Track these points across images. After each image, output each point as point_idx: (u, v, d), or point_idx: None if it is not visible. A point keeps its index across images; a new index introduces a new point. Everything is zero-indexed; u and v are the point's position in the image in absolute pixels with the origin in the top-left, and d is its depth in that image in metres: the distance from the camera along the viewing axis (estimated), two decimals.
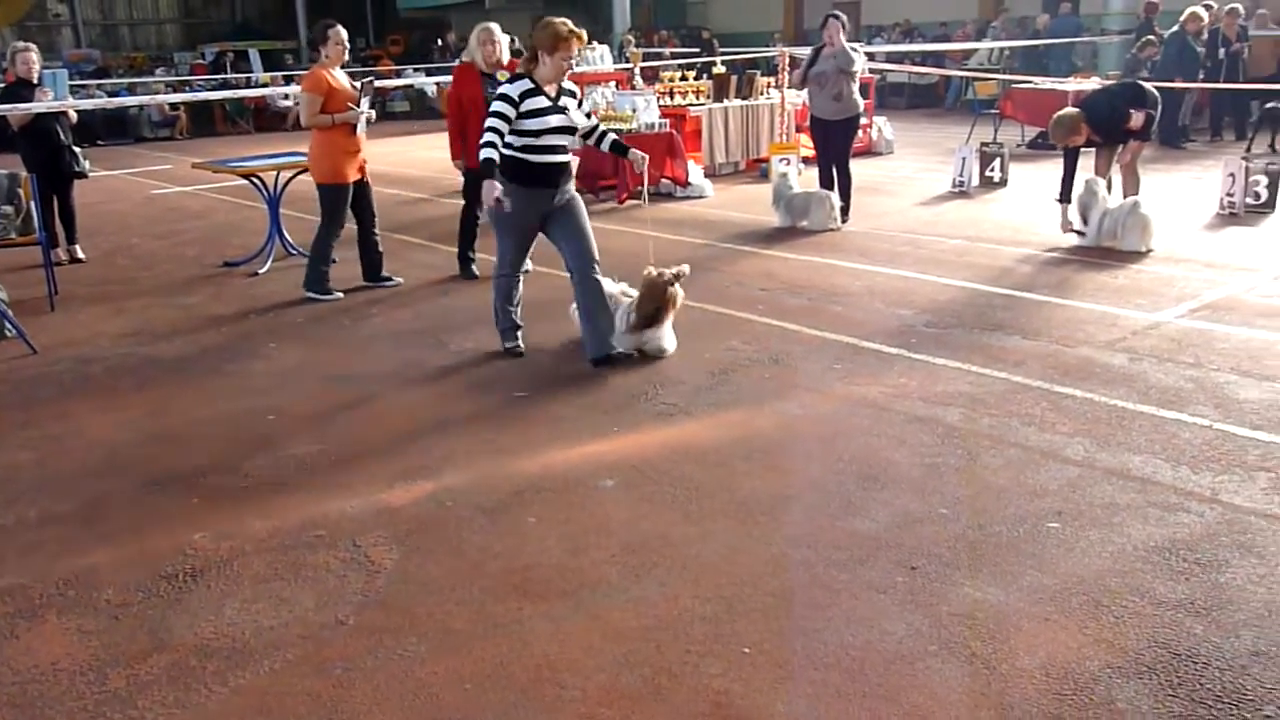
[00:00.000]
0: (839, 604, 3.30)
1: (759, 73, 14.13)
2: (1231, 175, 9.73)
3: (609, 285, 5.88)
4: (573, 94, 5.71)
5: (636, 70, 14.44)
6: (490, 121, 5.41)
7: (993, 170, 11.97)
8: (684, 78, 13.92)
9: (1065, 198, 8.64)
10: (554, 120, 5.50)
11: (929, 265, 7.97)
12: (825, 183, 9.79)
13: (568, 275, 5.79)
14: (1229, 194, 9.72)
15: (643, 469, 4.36)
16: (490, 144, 5.36)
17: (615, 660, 3.03)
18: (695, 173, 11.97)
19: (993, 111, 15.69)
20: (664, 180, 11.71)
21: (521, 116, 5.43)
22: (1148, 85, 8.83)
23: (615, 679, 2.94)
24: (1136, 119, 8.54)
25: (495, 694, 2.90)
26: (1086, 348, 5.80)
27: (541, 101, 5.46)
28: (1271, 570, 3.39)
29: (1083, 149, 8.68)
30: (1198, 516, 3.78)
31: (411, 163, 16.07)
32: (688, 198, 11.59)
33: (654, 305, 5.72)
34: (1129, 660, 2.93)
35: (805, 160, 11.93)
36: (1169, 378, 5.26)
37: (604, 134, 5.82)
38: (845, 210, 9.70)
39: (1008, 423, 4.74)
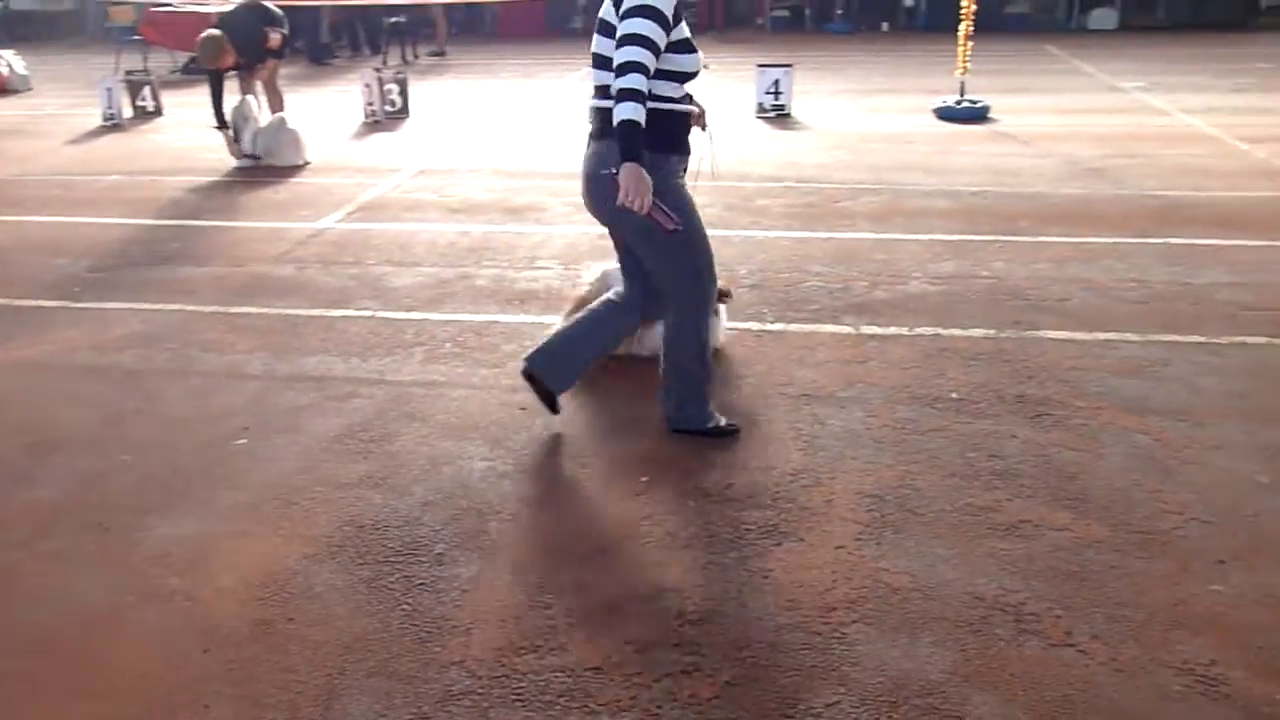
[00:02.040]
0: (21, 584, 2.99)
1: None
2: (368, 86, 10.52)
3: None
4: None
5: None
6: (636, 53, 3.28)
7: (144, 100, 11.41)
8: None
9: (221, 123, 8.58)
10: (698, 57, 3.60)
11: (87, 207, 7.39)
12: None
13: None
14: (370, 104, 10.50)
15: None
16: (637, 93, 3.27)
17: None
18: None
19: (136, 38, 14.87)
20: None
21: (672, 48, 3.42)
22: (272, 5, 9.04)
23: None
24: (274, 38, 8.73)
25: None
26: (257, 264, 5.90)
27: (685, 29, 3.51)
28: (432, 429, 3.85)
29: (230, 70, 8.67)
30: (369, 399, 4.12)
31: None
32: None
33: None
34: (321, 546, 3.12)
35: None
36: (334, 279, 5.60)
37: None
38: None
39: (187, 353, 4.65)
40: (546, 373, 3.75)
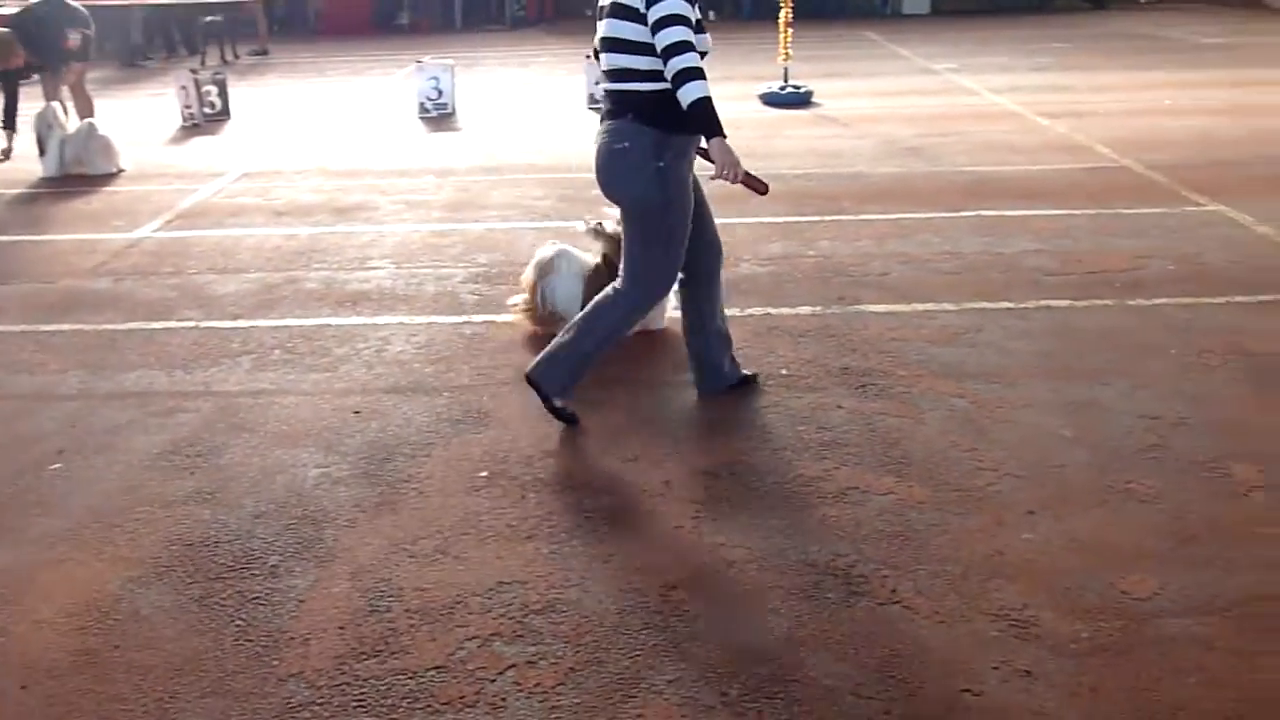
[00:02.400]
0: None
1: None
2: (184, 88, 10.08)
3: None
4: None
5: None
6: (683, 32, 3.32)
7: None
8: None
9: (9, 124, 8.08)
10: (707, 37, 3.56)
11: None
12: None
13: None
14: (187, 106, 10.07)
15: None
16: (698, 70, 3.33)
17: None
18: None
19: None
20: None
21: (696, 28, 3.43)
22: (78, 4, 8.56)
23: None
24: (73, 39, 8.29)
25: None
26: (70, 279, 5.60)
27: (697, 9, 3.49)
28: (262, 439, 3.74)
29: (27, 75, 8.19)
30: (194, 413, 3.97)
31: None
32: None
33: None
34: (147, 568, 2.99)
35: None
36: (154, 290, 5.36)
37: None
38: None
39: None
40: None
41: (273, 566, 2.98)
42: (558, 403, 3.71)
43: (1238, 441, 3.51)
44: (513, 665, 2.54)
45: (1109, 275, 5.11)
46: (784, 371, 4.17)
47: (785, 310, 4.80)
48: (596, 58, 3.74)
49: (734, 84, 11.55)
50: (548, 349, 3.71)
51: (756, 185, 3.46)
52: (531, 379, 3.68)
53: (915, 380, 4.03)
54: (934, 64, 12.90)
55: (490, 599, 2.80)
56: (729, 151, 3.36)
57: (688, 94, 3.30)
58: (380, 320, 4.84)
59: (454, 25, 19.57)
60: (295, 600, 2.82)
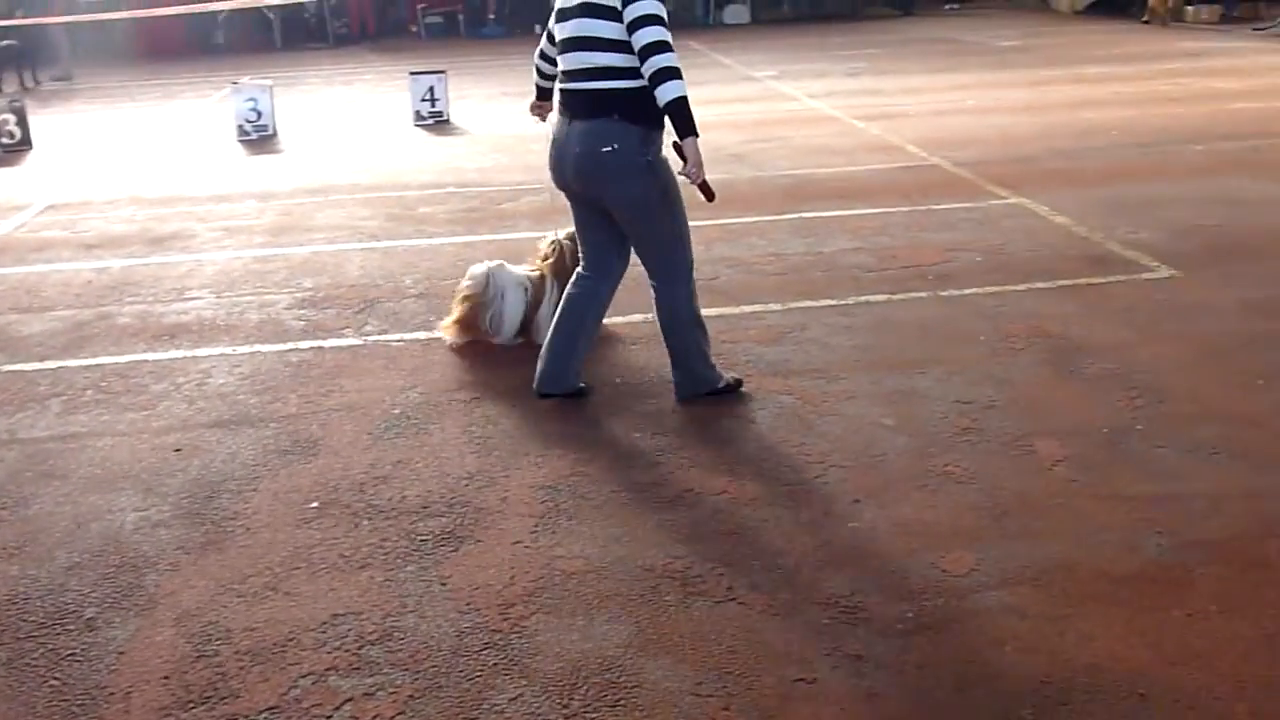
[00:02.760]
0: None
1: None
2: None
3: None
4: None
5: None
6: (660, 32, 3.46)
7: None
8: None
9: None
10: None
11: None
12: None
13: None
14: None
15: None
16: (678, 70, 3.48)
17: None
18: None
19: None
20: None
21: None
22: None
23: None
24: None
25: None
26: None
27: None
28: (74, 486, 3.54)
29: None
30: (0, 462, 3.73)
31: None
32: None
33: None
34: None
35: None
36: None
37: None
38: None
39: None
40: (557, 386, 3.99)
41: (89, 619, 2.82)
42: (720, 385, 3.96)
43: (1041, 419, 3.73)
44: (349, 699, 2.48)
45: (923, 269, 5.36)
46: (619, 380, 4.21)
47: (619, 319, 4.85)
48: (545, 60, 3.89)
49: None
50: (676, 373, 3.96)
51: (708, 192, 3.62)
52: (687, 398, 3.95)
53: (745, 380, 4.13)
54: (755, 72, 13.26)
55: (324, 633, 2.72)
56: (698, 152, 3.51)
57: (666, 92, 3.42)
58: (201, 353, 4.65)
59: (274, 44, 18.99)
60: (114, 653, 2.68)
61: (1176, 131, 8.56)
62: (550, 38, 3.79)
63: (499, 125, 10.17)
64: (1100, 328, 4.53)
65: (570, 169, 3.72)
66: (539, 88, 4.06)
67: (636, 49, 3.45)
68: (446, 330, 4.59)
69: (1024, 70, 12.50)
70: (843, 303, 4.95)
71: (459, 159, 8.71)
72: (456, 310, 4.54)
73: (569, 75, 3.67)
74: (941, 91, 11.13)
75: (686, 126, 3.48)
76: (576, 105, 3.67)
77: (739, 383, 4.03)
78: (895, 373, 4.17)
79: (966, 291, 5.02)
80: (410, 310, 5.06)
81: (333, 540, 3.15)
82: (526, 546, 3.09)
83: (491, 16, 20.09)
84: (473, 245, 6.08)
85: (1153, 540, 2.99)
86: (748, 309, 4.91)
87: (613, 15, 3.49)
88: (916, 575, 2.87)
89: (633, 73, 3.51)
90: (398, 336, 4.69)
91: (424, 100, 10.35)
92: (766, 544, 3.05)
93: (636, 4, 3.43)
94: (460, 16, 20.07)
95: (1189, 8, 17.27)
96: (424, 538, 3.15)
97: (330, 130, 10.43)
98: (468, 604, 2.82)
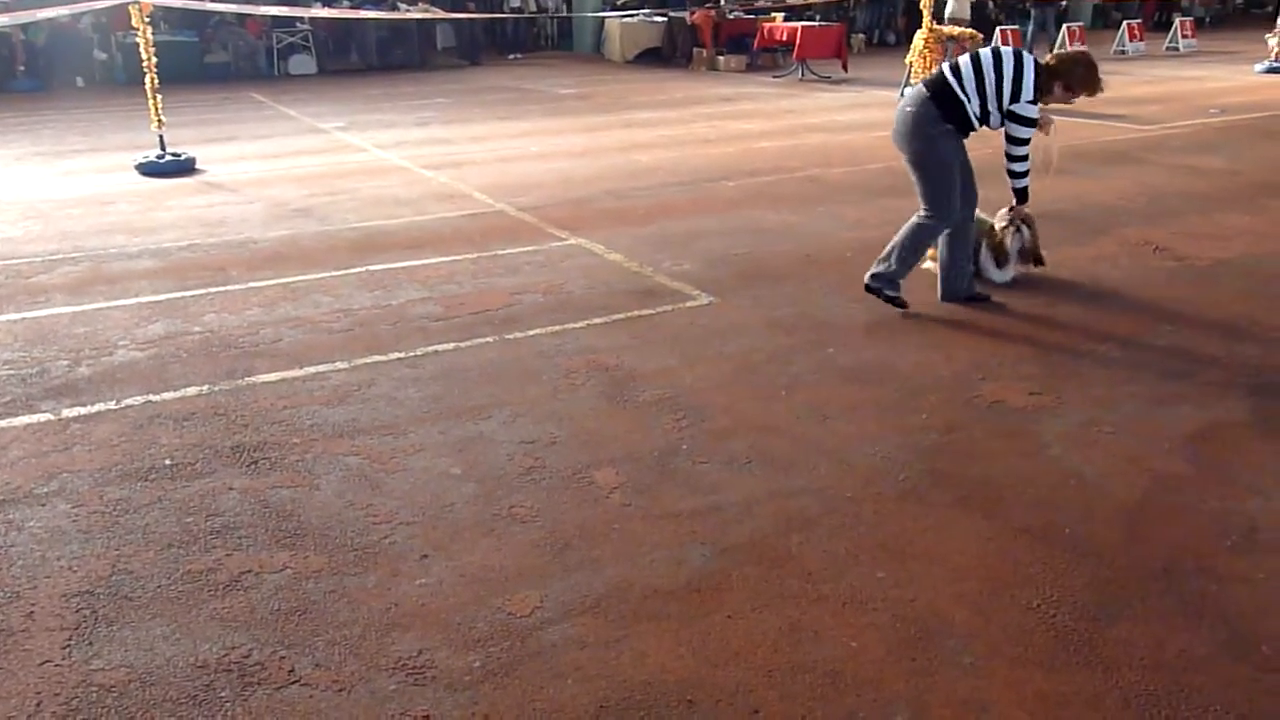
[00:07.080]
0: None
1: None
2: None
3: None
4: None
5: None
6: None
7: None
8: None
9: None
10: None
11: None
12: None
13: None
14: None
15: None
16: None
17: None
18: None
19: None
20: None
21: None
22: None
23: None
24: None
25: None
26: None
27: None
28: None
29: None
30: None
31: None
32: None
33: None
34: None
35: None
36: None
37: None
38: None
39: None
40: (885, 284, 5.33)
41: None
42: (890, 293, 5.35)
43: (599, 450, 3.93)
44: None
45: (489, 314, 5.48)
46: (168, 462, 3.90)
47: (169, 395, 4.50)
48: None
49: (108, 155, 10.74)
50: (883, 269, 5.30)
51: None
52: (872, 288, 5.37)
53: (309, 446, 3.99)
54: (322, 123, 12.97)
55: None
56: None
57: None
58: None
59: None
60: None
61: (712, 169, 9.44)
62: None
63: (31, 189, 9.13)
64: (651, 356, 4.86)
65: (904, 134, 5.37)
66: None
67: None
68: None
69: (582, 117, 13.23)
70: (411, 354, 4.93)
71: None
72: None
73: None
74: (506, 139, 11.50)
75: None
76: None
77: (986, 296, 5.56)
78: (463, 420, 4.21)
79: (531, 333, 5.20)
80: None
81: None
82: (56, 665, 2.76)
83: (22, 68, 18.06)
84: None
85: (697, 551, 3.24)
86: (312, 370, 4.75)
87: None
88: (483, 623, 2.90)
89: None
90: None
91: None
92: (331, 616, 2.94)
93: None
94: None
95: (720, 57, 19.22)
96: None
97: None
98: None
